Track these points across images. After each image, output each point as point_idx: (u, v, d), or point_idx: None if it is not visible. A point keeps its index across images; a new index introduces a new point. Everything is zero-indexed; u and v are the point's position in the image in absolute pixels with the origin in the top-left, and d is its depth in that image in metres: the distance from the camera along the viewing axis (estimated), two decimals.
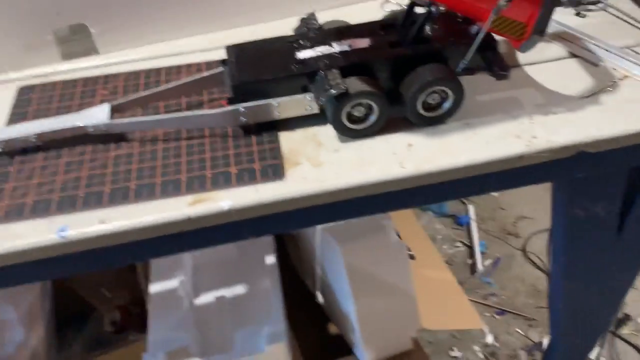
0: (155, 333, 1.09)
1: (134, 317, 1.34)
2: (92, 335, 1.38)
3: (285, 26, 0.78)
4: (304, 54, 0.62)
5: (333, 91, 0.57)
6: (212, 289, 1.20)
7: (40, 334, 1.26)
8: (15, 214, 0.57)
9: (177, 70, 0.73)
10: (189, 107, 0.68)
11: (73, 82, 0.72)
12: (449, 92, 0.61)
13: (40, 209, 0.57)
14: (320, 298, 1.33)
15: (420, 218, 1.76)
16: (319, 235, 1.16)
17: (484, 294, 1.58)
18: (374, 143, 0.62)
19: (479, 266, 1.63)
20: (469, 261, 1.67)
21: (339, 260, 1.04)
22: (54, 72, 0.75)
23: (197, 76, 0.66)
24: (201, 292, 1.19)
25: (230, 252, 1.25)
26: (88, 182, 0.59)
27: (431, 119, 0.62)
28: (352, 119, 0.61)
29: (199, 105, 0.68)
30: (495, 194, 1.85)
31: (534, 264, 1.64)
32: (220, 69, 0.66)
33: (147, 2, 0.74)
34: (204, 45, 0.77)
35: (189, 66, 0.74)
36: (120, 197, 0.58)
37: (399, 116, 0.63)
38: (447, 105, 0.62)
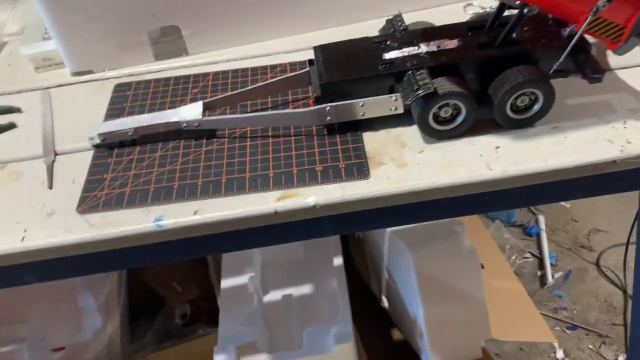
0: (225, 327, 1.12)
1: (203, 312, 1.38)
2: (162, 327, 1.43)
3: (369, 28, 0.80)
4: (391, 55, 0.63)
5: (421, 91, 0.58)
6: (280, 288, 1.22)
7: (116, 323, 1.32)
8: (114, 202, 0.60)
9: (262, 70, 0.76)
10: (274, 107, 0.70)
11: (165, 81, 0.76)
12: (539, 95, 0.60)
13: (138, 199, 0.60)
14: (385, 303, 1.33)
15: (488, 227, 1.72)
16: (388, 240, 1.16)
17: (554, 307, 1.53)
18: (460, 145, 0.62)
19: (549, 278, 1.58)
20: (539, 273, 1.62)
21: (408, 265, 1.04)
22: (147, 71, 0.79)
23: (284, 76, 0.68)
24: (269, 289, 1.22)
25: (298, 252, 1.27)
26: (182, 175, 0.62)
27: (519, 122, 0.62)
28: (438, 119, 0.61)
29: (284, 105, 0.70)
30: (567, 205, 1.79)
31: (609, 278, 1.57)
32: (305, 69, 0.68)
33: (235, 6, 0.77)
34: (289, 46, 0.79)
35: (273, 67, 0.76)
36: (212, 190, 0.60)
37: (485, 118, 0.62)
38: (536, 107, 0.61)
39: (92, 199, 0.61)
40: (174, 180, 0.62)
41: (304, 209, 0.58)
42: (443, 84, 0.59)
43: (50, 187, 0.63)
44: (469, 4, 0.82)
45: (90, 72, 0.79)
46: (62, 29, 0.75)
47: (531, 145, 0.61)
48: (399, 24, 0.67)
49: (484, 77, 0.61)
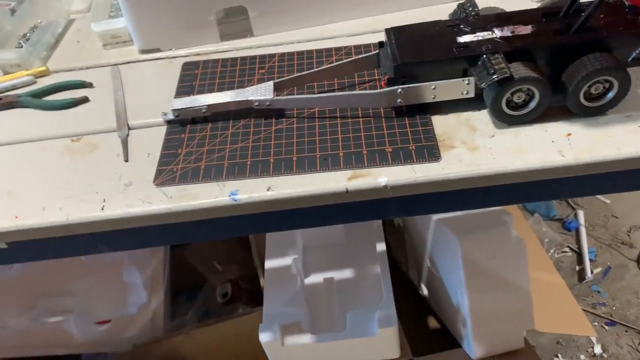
0: (270, 306, 1.14)
1: (244, 292, 1.41)
2: (203, 306, 1.46)
3: (436, 12, 0.80)
4: (465, 38, 0.63)
5: (497, 75, 0.58)
6: (322, 271, 1.23)
7: (160, 299, 1.35)
8: (190, 176, 0.62)
9: (327, 53, 0.77)
10: (341, 88, 0.71)
11: (232, 60, 0.77)
12: (615, 83, 0.59)
13: (213, 173, 0.62)
14: (425, 291, 1.33)
15: (527, 219, 1.71)
16: (433, 228, 1.16)
17: (592, 302, 1.52)
18: (531, 130, 0.62)
19: (588, 274, 1.57)
20: (577, 268, 1.61)
21: (455, 252, 1.04)
22: (213, 51, 0.80)
23: (352, 58, 0.69)
24: (311, 272, 1.23)
25: (339, 236, 1.28)
26: (254, 152, 0.64)
27: (592, 109, 0.61)
28: (510, 104, 0.61)
29: (351, 87, 0.71)
30: (607, 200, 1.77)
31: None
32: (372, 52, 0.68)
33: None
34: (353, 29, 0.80)
35: (338, 49, 0.77)
36: (283, 167, 0.61)
37: (556, 105, 0.62)
38: (610, 95, 0.61)
39: (168, 172, 0.63)
40: (247, 157, 0.63)
41: (374, 189, 0.59)
42: (518, 69, 0.59)
43: (126, 159, 0.65)
44: None
45: (157, 50, 0.81)
46: (132, 7, 0.77)
47: (603, 133, 0.60)
48: (471, 8, 0.67)
49: (557, 64, 0.61)
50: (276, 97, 0.66)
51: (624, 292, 1.54)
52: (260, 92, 0.67)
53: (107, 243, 0.65)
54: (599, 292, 1.54)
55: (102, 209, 0.60)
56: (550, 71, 0.61)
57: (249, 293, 1.41)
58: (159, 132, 0.68)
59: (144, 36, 0.80)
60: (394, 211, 0.64)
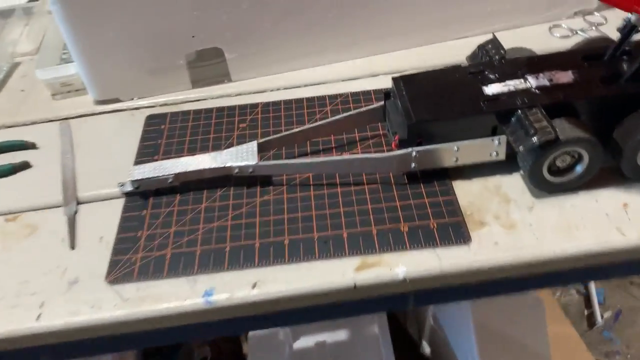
0: None
1: (225, 355, 1.26)
2: None
3: (445, 51, 0.69)
4: (492, 89, 0.51)
5: (538, 137, 0.46)
6: (313, 333, 1.10)
7: None
8: (153, 269, 0.49)
9: (320, 101, 0.64)
10: (339, 147, 0.59)
11: (206, 112, 0.65)
12: None
13: (181, 265, 0.49)
14: (426, 349, 1.20)
15: None
16: None
17: (606, 351, 1.40)
18: (578, 200, 0.50)
19: (598, 318, 1.46)
20: (586, 312, 1.49)
21: (466, 316, 0.92)
22: (184, 100, 0.67)
23: (352, 112, 0.57)
24: (301, 335, 1.10)
25: None
26: (234, 234, 0.51)
27: None
28: (551, 169, 0.50)
29: (351, 145, 0.59)
30: None
31: None
32: (375, 105, 0.56)
33: (287, 25, 0.65)
34: (349, 72, 0.68)
35: (333, 97, 0.65)
36: (272, 254, 0.48)
37: (605, 166, 0.51)
38: None
39: (124, 264, 0.49)
40: (225, 240, 0.50)
41: (391, 282, 0.46)
42: (564, 127, 0.47)
43: (73, 246, 0.52)
44: (555, 26, 0.71)
45: (117, 100, 0.68)
46: (86, 49, 0.64)
47: None
48: (495, 50, 0.55)
49: (608, 119, 0.49)
50: (261, 163, 0.53)
51: (638, 338, 1.42)
52: (241, 156, 0.54)
53: (51, 354, 0.51)
54: (611, 339, 1.42)
55: (38, 317, 0.46)
56: (599, 127, 0.49)
57: (231, 356, 1.26)
58: (115, 207, 0.55)
59: (100, 84, 0.67)
60: (411, 303, 0.51)
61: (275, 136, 0.56)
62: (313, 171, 0.55)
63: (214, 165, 0.54)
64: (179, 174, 0.54)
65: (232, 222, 0.52)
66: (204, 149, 0.60)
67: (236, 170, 0.53)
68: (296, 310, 0.48)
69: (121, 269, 0.49)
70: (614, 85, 0.49)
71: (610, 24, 0.70)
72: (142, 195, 0.55)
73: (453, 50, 0.68)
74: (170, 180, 0.54)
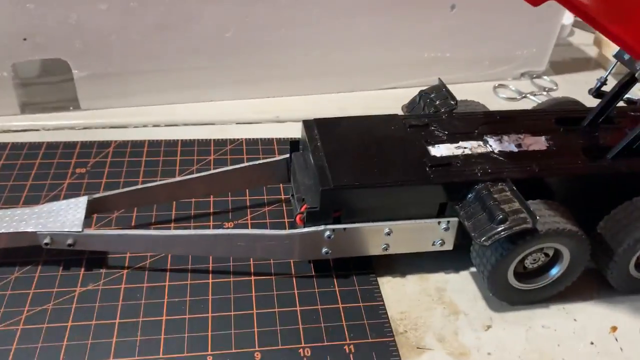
0: None
1: None
2: None
3: (365, 102, 0.54)
4: (440, 150, 0.36)
5: (510, 224, 0.31)
6: None
7: None
8: None
9: (201, 147, 0.47)
10: (220, 215, 0.41)
11: (32, 147, 0.44)
12: None
13: None
14: None
15: None
16: None
17: None
18: (550, 318, 0.35)
19: None
20: None
21: None
22: (2, 128, 0.47)
23: (245, 164, 0.40)
24: None
25: None
26: (21, 347, 0.30)
27: None
28: (515, 270, 0.35)
29: (239, 212, 0.41)
30: None
31: None
32: (282, 157, 0.40)
33: (164, 41, 0.48)
34: (246, 114, 0.52)
35: (220, 143, 0.48)
36: None
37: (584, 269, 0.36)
38: None
39: None
40: (7, 358, 0.30)
41: None
42: (542, 214, 0.33)
43: None
44: (500, 85, 0.59)
45: None
46: None
47: None
48: (442, 100, 0.41)
49: (589, 205, 0.36)
50: (88, 231, 0.34)
51: None
52: (60, 218, 0.34)
53: None
54: None
55: None
56: (577, 216, 0.35)
57: None
58: None
59: None
60: None
61: (122, 190, 0.38)
62: (173, 250, 0.36)
63: (14, 229, 0.33)
64: None
65: (23, 327, 0.31)
66: (12, 202, 0.39)
67: (46, 241, 0.34)
68: None
69: None
70: (602, 161, 0.36)
71: (562, 90, 0.59)
72: None
73: (380, 101, 0.54)
74: None
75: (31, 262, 0.35)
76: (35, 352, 0.30)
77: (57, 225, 0.34)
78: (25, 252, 0.35)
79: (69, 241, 0.34)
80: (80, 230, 0.34)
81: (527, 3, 0.30)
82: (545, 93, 0.58)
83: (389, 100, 0.50)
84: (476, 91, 0.58)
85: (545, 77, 0.61)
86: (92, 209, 0.36)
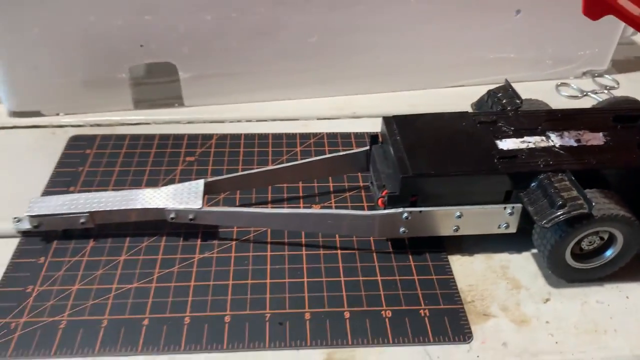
0: None
1: None
2: None
3: (438, 98, 0.60)
4: (507, 144, 0.41)
5: (567, 210, 0.36)
6: None
7: None
8: (37, 342, 0.35)
9: (289, 140, 0.53)
10: (309, 198, 0.47)
11: (146, 138, 0.52)
12: None
13: (78, 340, 0.35)
14: None
15: None
16: None
17: None
18: (605, 294, 0.40)
19: None
20: None
21: None
22: (120, 122, 0.55)
23: (328, 156, 0.46)
24: None
25: None
26: (157, 301, 0.37)
27: None
28: (573, 251, 0.39)
29: (325, 196, 0.47)
30: None
31: None
32: (362, 149, 0.45)
33: (258, 46, 0.55)
34: (326, 110, 0.58)
35: (305, 137, 0.54)
36: (206, 335, 0.36)
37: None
38: None
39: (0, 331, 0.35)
40: (145, 309, 0.37)
41: None
42: (597, 201, 0.37)
43: None
44: (563, 84, 0.62)
45: (37, 113, 0.55)
46: (1, 47, 0.51)
47: None
48: (508, 99, 0.46)
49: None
50: (206, 208, 0.41)
51: None
52: (182, 197, 0.41)
53: None
54: None
55: None
56: (632, 205, 0.39)
57: None
58: (6, 248, 0.41)
59: (18, 93, 0.54)
60: None
61: (228, 176, 0.44)
62: (272, 225, 0.42)
63: (144, 205, 0.41)
64: (95, 212, 0.41)
65: (157, 285, 0.39)
66: (136, 184, 0.47)
67: (172, 216, 0.41)
68: None
69: None
70: None
71: (623, 88, 0.62)
72: (44, 236, 0.42)
73: (448, 99, 0.59)
74: (83, 220, 0.41)
75: (157, 233, 0.43)
76: (167, 306, 0.38)
77: (182, 202, 0.41)
78: (152, 225, 0.43)
79: (191, 216, 0.41)
80: (201, 207, 0.41)
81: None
82: (606, 91, 0.61)
83: (456, 97, 0.55)
84: (539, 89, 0.62)
85: (607, 76, 0.64)
86: (205, 190, 0.43)
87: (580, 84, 0.63)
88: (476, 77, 0.61)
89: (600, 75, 0.64)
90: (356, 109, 0.58)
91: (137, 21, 0.51)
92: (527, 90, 0.61)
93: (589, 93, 0.61)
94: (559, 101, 0.61)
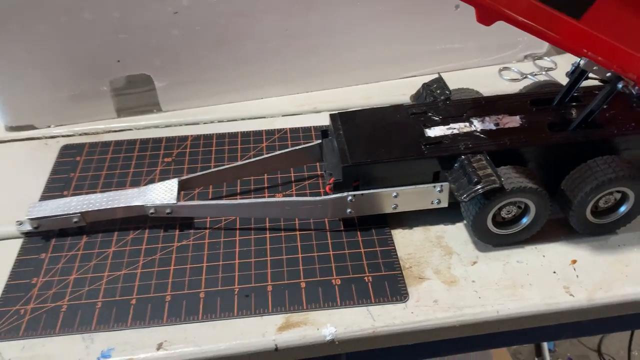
0: None
1: None
2: None
3: (388, 90, 0.66)
4: (435, 131, 0.47)
5: (482, 185, 0.42)
6: None
7: None
8: (44, 323, 0.42)
9: (256, 137, 0.60)
10: (272, 187, 0.54)
11: (129, 143, 0.59)
12: (630, 194, 0.45)
13: (78, 320, 0.42)
14: None
15: None
16: None
17: None
18: (524, 255, 0.46)
19: None
20: None
21: None
22: (105, 129, 0.61)
23: (286, 150, 0.52)
24: None
25: None
26: (143, 284, 0.44)
27: (600, 228, 0.47)
28: (496, 220, 0.46)
29: (285, 186, 0.54)
30: None
31: None
32: (314, 142, 0.52)
33: (224, 54, 0.61)
34: (289, 107, 0.64)
35: (270, 133, 0.60)
36: (185, 309, 0.42)
37: (552, 217, 0.47)
38: (622, 210, 0.46)
39: (11, 317, 0.42)
40: (132, 291, 0.44)
41: (317, 344, 0.41)
42: (509, 176, 0.44)
43: None
44: (505, 68, 0.69)
45: (31, 127, 0.61)
46: None
47: (618, 260, 0.46)
48: (440, 90, 0.52)
49: (555, 168, 0.46)
50: (181, 203, 0.48)
51: None
52: (160, 194, 0.48)
53: None
54: None
55: None
56: (547, 177, 0.46)
57: None
58: (11, 248, 0.48)
59: (13, 109, 0.60)
60: None
61: (200, 173, 0.51)
62: (240, 214, 0.49)
63: (127, 204, 0.48)
64: (86, 212, 0.48)
65: (142, 271, 0.46)
66: (121, 185, 0.54)
67: (151, 211, 0.48)
68: None
69: (7, 321, 0.42)
70: (562, 133, 0.46)
71: (561, 69, 0.68)
72: (44, 236, 0.49)
73: (400, 89, 0.65)
74: (76, 219, 0.48)
75: (140, 227, 0.49)
76: (150, 287, 0.44)
77: (159, 199, 0.48)
78: (136, 220, 0.49)
79: (168, 210, 0.48)
80: (176, 202, 0.47)
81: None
82: (544, 73, 0.68)
83: (407, 88, 0.60)
84: (484, 75, 0.69)
85: (546, 58, 0.70)
86: (180, 187, 0.50)
87: (522, 67, 0.69)
88: (426, 67, 0.67)
89: (540, 57, 0.70)
90: (317, 104, 0.64)
91: (113, 40, 0.57)
92: (473, 77, 0.68)
93: (528, 75, 0.67)
94: (502, 85, 0.67)
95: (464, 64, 0.68)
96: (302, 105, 0.64)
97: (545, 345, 1.48)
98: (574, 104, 0.49)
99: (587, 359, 1.47)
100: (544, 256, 0.46)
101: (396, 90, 0.66)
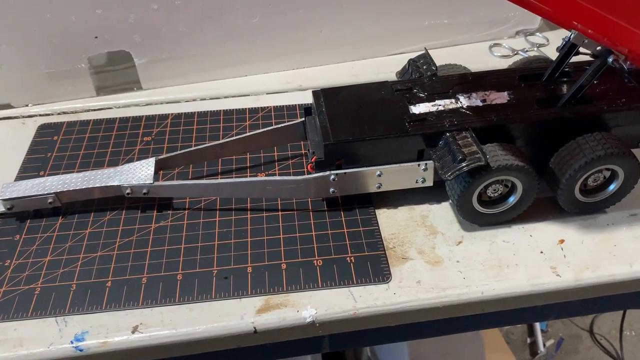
0: None
1: None
2: None
3: (377, 67, 0.64)
4: (420, 108, 0.46)
5: (467, 163, 0.41)
6: None
7: None
8: (16, 306, 0.41)
9: (239, 115, 0.58)
10: (254, 167, 0.52)
11: (108, 122, 0.57)
12: (619, 172, 0.44)
13: (51, 303, 0.41)
14: None
15: None
16: None
17: None
18: (511, 234, 0.45)
19: (540, 347, 1.43)
20: (528, 340, 1.47)
21: (401, 350, 0.86)
22: (84, 108, 0.60)
23: (268, 128, 0.51)
24: None
25: None
26: (119, 266, 0.43)
27: (589, 206, 0.46)
28: (482, 199, 0.44)
29: (268, 165, 0.52)
30: None
31: (604, 348, 1.43)
32: (298, 120, 0.50)
33: (206, 30, 0.59)
34: (274, 85, 0.62)
35: (254, 111, 0.59)
36: (161, 291, 0.41)
37: (541, 196, 0.46)
38: (612, 188, 0.45)
39: None
40: (108, 274, 0.43)
41: (297, 326, 0.40)
42: (495, 153, 0.42)
43: None
44: (496, 44, 0.67)
45: (8, 106, 0.60)
46: None
47: (606, 239, 0.45)
48: (426, 66, 0.50)
49: (544, 145, 0.45)
50: (157, 183, 0.46)
51: None
52: (136, 174, 0.47)
53: None
54: None
55: None
56: (535, 154, 0.45)
57: None
58: None
59: None
60: (325, 347, 0.45)
61: (179, 152, 0.50)
62: (220, 194, 0.48)
63: (103, 184, 0.46)
64: (61, 192, 0.46)
65: (118, 252, 0.44)
66: (99, 165, 0.52)
67: (128, 191, 0.46)
68: (185, 359, 0.41)
69: None
70: (551, 109, 0.45)
71: (553, 44, 0.66)
72: (18, 217, 0.47)
73: (388, 66, 0.63)
74: (50, 200, 0.46)
75: (118, 208, 0.48)
76: (127, 269, 0.43)
77: (135, 179, 0.46)
78: (113, 201, 0.48)
79: (144, 190, 0.46)
80: (152, 182, 0.46)
81: None
82: (536, 49, 0.66)
83: (395, 65, 0.59)
84: (474, 51, 0.67)
85: (538, 34, 0.68)
86: (159, 166, 0.48)
87: (513, 43, 0.67)
88: (415, 44, 0.66)
89: (532, 33, 0.68)
90: (302, 82, 0.63)
91: (89, 15, 0.55)
92: (462, 53, 0.66)
93: (519, 52, 0.65)
94: (491, 61, 0.65)
95: (454, 40, 0.67)
96: (287, 83, 0.63)
97: (537, 325, 1.48)
98: (564, 79, 0.48)
99: (579, 339, 1.47)
100: (531, 236, 0.45)
101: (384, 67, 0.64)
